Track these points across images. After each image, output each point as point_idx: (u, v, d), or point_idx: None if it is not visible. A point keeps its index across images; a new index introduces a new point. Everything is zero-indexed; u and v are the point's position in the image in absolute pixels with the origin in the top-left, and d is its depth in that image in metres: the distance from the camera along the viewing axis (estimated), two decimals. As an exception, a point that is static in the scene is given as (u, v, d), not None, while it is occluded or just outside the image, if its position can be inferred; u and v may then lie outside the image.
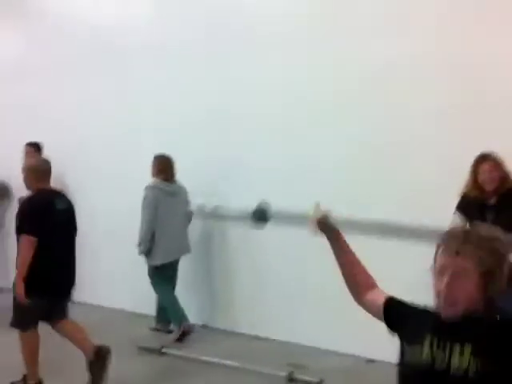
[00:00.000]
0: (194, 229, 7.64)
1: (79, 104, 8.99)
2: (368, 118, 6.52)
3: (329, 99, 6.77)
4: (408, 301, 2.57)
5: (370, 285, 2.73)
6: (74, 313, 6.10)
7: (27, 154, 8.87)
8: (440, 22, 6.14)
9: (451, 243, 2.31)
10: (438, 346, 2.32)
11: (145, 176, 7.34)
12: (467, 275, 2.26)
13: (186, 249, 7.55)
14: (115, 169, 8.57)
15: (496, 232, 2.40)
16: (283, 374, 5.99)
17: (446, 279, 2.28)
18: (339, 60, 6.69)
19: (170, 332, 7.42)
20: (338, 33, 6.73)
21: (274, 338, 7.13)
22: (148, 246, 7.27)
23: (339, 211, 2.77)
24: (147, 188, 7.31)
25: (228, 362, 6.39)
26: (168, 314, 7.47)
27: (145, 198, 7.27)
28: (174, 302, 7.39)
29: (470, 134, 5.85)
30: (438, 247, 2.35)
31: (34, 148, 9.03)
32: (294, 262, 7.03)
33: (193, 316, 7.46)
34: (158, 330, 7.65)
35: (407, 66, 6.25)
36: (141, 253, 7.33)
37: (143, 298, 8.00)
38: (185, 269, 7.60)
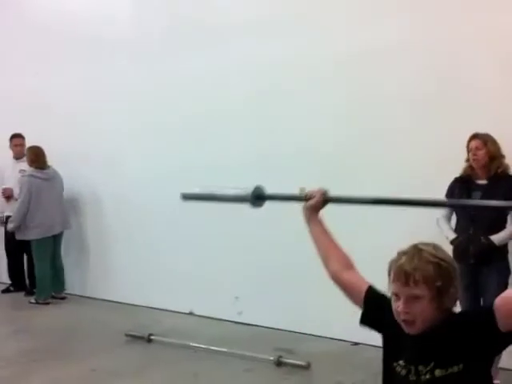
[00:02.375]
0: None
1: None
2: (354, 105, 6.61)
3: (307, 87, 6.87)
4: (386, 295, 2.66)
5: (347, 263, 2.86)
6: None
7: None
8: (417, 10, 6.21)
9: (400, 271, 2.44)
10: (410, 363, 2.52)
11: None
12: (420, 299, 2.42)
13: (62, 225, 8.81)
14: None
15: (442, 249, 2.53)
16: (271, 358, 6.10)
17: (400, 304, 2.45)
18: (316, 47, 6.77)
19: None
20: (313, 19, 6.79)
21: (259, 324, 7.23)
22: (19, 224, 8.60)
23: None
24: (23, 176, 8.66)
25: (216, 348, 6.49)
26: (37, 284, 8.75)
27: (21, 185, 8.60)
28: (46, 275, 8.65)
29: (457, 120, 5.89)
30: (389, 273, 2.50)
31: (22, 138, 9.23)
32: (279, 248, 7.15)
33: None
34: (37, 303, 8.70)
35: (395, 51, 6.30)
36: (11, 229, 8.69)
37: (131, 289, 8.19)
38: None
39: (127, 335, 6.98)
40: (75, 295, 9.03)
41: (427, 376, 2.47)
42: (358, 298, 2.76)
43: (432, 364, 2.46)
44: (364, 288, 2.75)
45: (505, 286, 5.26)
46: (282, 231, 7.02)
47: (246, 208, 7.12)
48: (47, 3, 9.21)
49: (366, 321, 2.77)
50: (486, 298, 5.32)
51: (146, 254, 8.33)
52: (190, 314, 7.90)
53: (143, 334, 6.92)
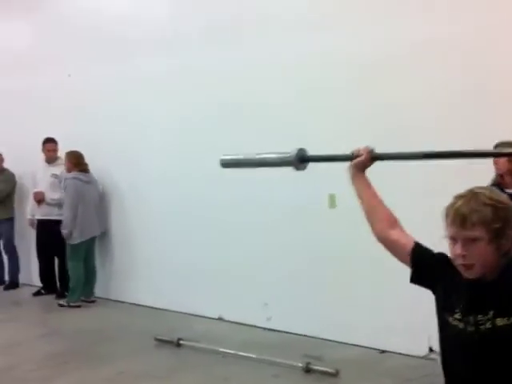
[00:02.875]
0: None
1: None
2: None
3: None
4: (432, 250, 2.67)
5: (392, 221, 2.79)
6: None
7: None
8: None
9: (457, 214, 2.41)
10: (467, 314, 2.46)
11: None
12: (477, 241, 2.39)
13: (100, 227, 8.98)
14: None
15: (498, 192, 2.52)
16: (300, 364, 6.08)
17: (458, 247, 2.42)
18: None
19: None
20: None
21: (288, 330, 7.21)
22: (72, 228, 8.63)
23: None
24: (67, 179, 8.71)
25: (244, 354, 6.49)
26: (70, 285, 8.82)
27: (66, 188, 8.67)
28: (80, 278, 8.78)
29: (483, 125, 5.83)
30: (446, 217, 2.46)
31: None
32: (308, 253, 7.14)
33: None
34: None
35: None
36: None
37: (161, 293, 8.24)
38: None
39: (156, 339, 7.01)
40: (104, 298, 9.09)
41: (487, 325, 2.41)
42: (404, 256, 2.71)
43: (492, 313, 2.41)
44: (410, 246, 2.70)
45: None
46: (311, 237, 7.03)
47: (278, 213, 7.16)
48: (83, 4, 9.30)
49: (416, 279, 2.70)
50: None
51: (175, 257, 8.35)
52: (220, 319, 7.90)
53: (172, 339, 6.94)
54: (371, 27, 6.47)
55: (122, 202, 9.03)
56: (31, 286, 9.82)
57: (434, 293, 2.65)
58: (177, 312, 8.17)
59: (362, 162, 2.86)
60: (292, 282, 7.28)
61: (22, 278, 10.09)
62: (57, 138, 9.34)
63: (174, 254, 8.38)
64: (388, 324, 6.18)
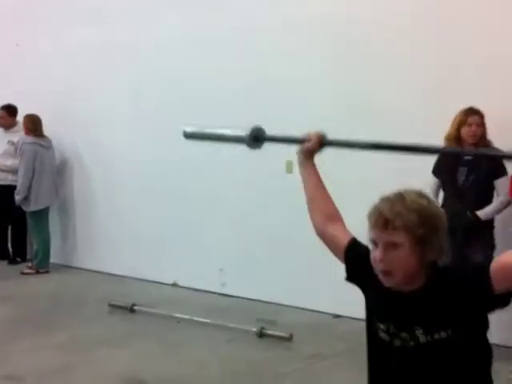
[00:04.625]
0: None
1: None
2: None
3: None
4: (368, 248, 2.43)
5: (333, 214, 2.63)
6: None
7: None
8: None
9: (380, 216, 2.25)
10: (393, 327, 2.34)
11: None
12: (399, 246, 2.23)
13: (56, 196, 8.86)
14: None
15: (428, 197, 2.33)
16: (254, 329, 6.11)
17: (378, 251, 2.26)
18: None
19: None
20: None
21: (242, 295, 7.27)
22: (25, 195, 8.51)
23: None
24: (25, 143, 8.52)
25: (199, 319, 6.51)
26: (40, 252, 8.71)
27: (23, 153, 8.49)
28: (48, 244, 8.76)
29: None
30: (369, 218, 2.29)
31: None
32: (264, 220, 7.15)
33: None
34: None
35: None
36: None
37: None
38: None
39: (110, 305, 6.98)
40: (64, 265, 9.02)
41: (411, 343, 2.30)
42: (339, 252, 2.55)
43: (417, 328, 2.28)
44: (346, 242, 2.53)
45: (489, 259, 5.30)
46: (268, 204, 7.04)
47: (235, 180, 7.18)
48: None
49: (349, 278, 2.57)
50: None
51: (130, 223, 8.32)
52: (174, 285, 7.91)
53: (126, 304, 6.92)
54: None
55: (85, 172, 8.90)
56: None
57: (365, 295, 2.51)
58: (133, 278, 8.17)
59: (309, 147, 2.70)
60: (247, 248, 7.31)
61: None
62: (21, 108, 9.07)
63: (132, 221, 8.34)
64: (341, 289, 6.22)
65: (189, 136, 3.18)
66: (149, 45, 7.99)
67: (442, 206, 5.48)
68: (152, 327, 6.46)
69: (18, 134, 8.94)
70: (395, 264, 2.24)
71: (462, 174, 5.37)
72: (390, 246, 2.23)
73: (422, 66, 6.05)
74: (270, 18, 6.96)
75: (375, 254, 2.27)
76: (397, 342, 2.34)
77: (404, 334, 2.32)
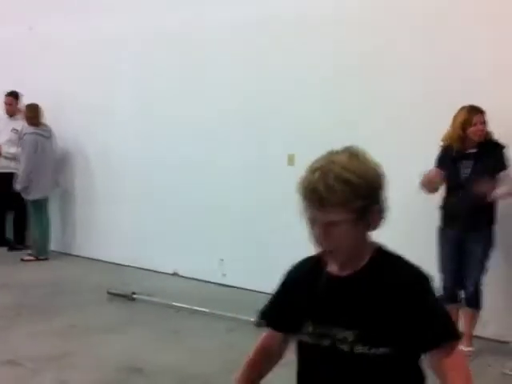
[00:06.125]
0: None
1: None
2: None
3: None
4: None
5: (267, 350, 2.56)
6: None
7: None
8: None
9: (314, 193, 2.01)
10: (321, 327, 2.15)
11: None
12: (339, 223, 2.02)
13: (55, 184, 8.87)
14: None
15: (356, 154, 2.08)
16: (253, 319, 6.09)
17: (319, 232, 2.06)
18: None
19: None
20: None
21: (242, 286, 7.24)
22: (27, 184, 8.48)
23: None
24: (26, 133, 8.47)
25: (198, 308, 6.50)
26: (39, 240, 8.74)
27: (24, 142, 8.45)
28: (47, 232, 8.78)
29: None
30: (301, 194, 2.06)
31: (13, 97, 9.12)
32: (265, 212, 7.14)
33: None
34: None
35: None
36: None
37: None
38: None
39: (110, 293, 6.97)
40: (63, 253, 9.02)
41: (345, 348, 2.08)
42: (288, 337, 2.38)
43: (351, 332, 2.07)
44: (276, 333, 2.47)
45: (488, 254, 5.39)
46: (269, 195, 7.02)
47: (234, 171, 7.17)
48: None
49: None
50: (470, 263, 5.39)
51: (131, 212, 8.31)
52: (175, 274, 7.89)
53: (126, 293, 6.91)
54: None
55: (85, 160, 8.89)
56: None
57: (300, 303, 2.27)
58: (133, 267, 8.18)
59: None
60: (247, 240, 7.30)
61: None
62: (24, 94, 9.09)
63: (133, 210, 8.33)
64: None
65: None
66: (149, 35, 7.98)
67: (445, 197, 5.48)
68: (150, 315, 6.46)
69: (21, 123, 8.94)
70: (338, 241, 2.06)
71: (466, 167, 5.36)
72: (330, 225, 2.03)
73: (422, 66, 6.05)
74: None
75: (315, 234, 2.08)
76: (326, 342, 2.13)
77: (338, 333, 2.11)
